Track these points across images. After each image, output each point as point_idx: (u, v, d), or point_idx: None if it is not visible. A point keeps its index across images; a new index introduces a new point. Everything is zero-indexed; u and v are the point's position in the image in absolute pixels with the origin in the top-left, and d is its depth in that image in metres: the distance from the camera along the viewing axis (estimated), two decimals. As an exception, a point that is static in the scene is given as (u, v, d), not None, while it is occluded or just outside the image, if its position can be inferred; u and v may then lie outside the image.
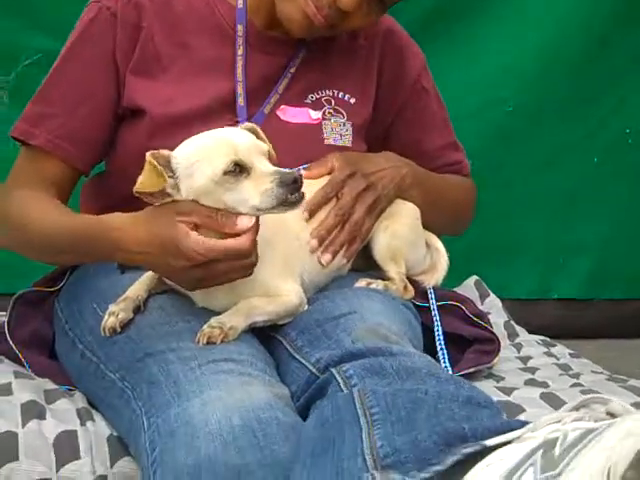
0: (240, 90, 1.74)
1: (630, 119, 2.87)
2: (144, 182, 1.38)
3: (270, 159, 1.45)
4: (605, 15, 2.77)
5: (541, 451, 0.96)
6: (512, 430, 1.07)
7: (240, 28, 1.77)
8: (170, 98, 1.68)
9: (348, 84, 1.84)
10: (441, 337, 1.75)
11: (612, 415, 0.98)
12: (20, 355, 1.72)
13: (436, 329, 1.76)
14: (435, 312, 1.80)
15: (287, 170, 1.40)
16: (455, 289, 2.33)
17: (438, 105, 1.99)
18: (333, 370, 1.32)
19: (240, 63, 1.75)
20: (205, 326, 1.42)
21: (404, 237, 1.74)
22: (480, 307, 2.29)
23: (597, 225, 2.92)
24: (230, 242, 1.38)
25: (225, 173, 1.37)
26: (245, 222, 1.38)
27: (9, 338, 1.74)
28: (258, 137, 1.48)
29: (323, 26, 1.69)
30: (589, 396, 1.03)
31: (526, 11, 2.74)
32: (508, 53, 2.73)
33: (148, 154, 1.38)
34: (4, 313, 1.80)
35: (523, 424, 1.09)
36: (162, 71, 1.74)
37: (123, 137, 1.75)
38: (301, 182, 1.38)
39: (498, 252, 2.85)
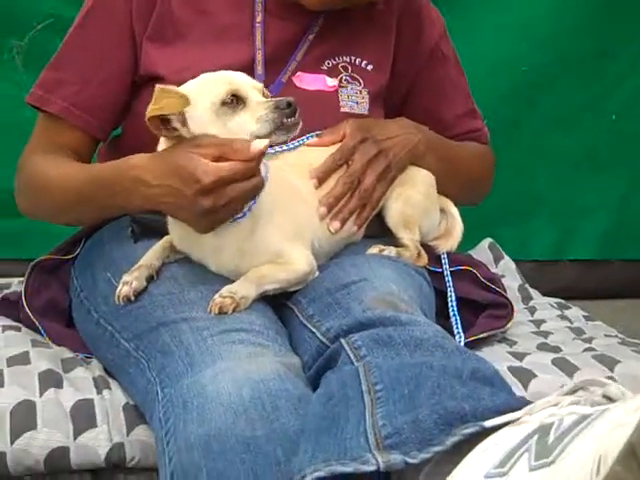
0: (259, 57, 1.73)
1: (648, 76, 2.83)
2: (164, 105, 1.41)
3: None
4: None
5: (536, 437, 0.97)
6: (512, 411, 1.08)
7: None
8: (187, 65, 1.65)
9: (366, 50, 1.83)
10: (454, 303, 1.76)
11: (609, 399, 0.99)
12: (37, 323, 1.75)
13: (449, 295, 1.77)
14: (448, 278, 1.81)
15: (281, 98, 1.42)
16: (469, 252, 2.34)
17: (457, 72, 1.97)
18: (342, 340, 1.34)
19: (259, 30, 1.74)
20: (217, 295, 1.43)
21: (418, 204, 1.74)
22: (494, 270, 2.30)
23: (615, 184, 2.90)
24: (233, 162, 1.39)
25: (223, 103, 1.42)
26: (258, 145, 1.39)
27: (26, 306, 1.76)
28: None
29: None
30: (586, 378, 1.04)
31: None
32: (522, 12, 2.69)
33: (158, 85, 1.43)
34: (22, 279, 1.83)
35: (523, 403, 1.10)
36: (179, 37, 1.73)
37: (139, 104, 1.72)
38: (295, 106, 1.41)
39: (513, 212, 2.83)
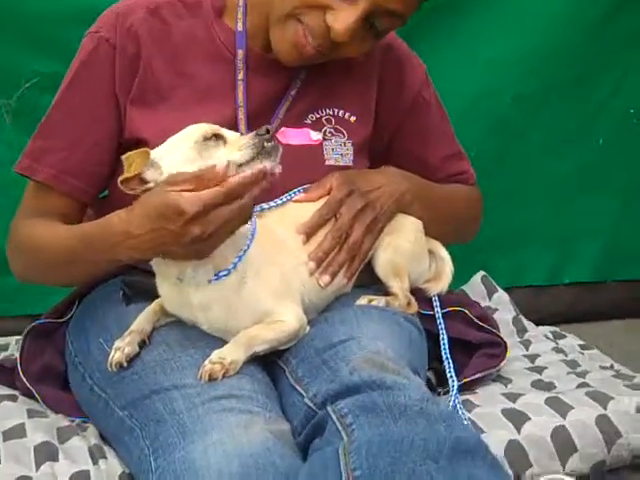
0: (241, 115, 1.74)
1: (633, 99, 2.84)
2: (128, 169, 1.45)
3: None
4: (600, -1, 2.74)
5: None
6: None
7: (240, 53, 1.76)
8: (170, 128, 1.63)
9: (348, 102, 1.83)
10: (446, 347, 1.77)
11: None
12: (33, 390, 1.76)
13: (441, 339, 1.78)
14: (440, 321, 1.82)
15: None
16: (462, 287, 2.36)
17: (440, 116, 1.98)
18: (329, 408, 1.35)
19: (241, 88, 1.75)
20: (206, 362, 1.45)
21: (407, 253, 1.75)
22: (488, 303, 2.31)
23: (606, 207, 2.90)
24: (215, 188, 1.39)
25: (205, 139, 1.45)
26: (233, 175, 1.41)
27: (22, 374, 1.77)
28: None
29: (313, 56, 1.68)
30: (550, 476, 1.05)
31: (521, 0, 2.70)
32: (503, 44, 2.69)
33: (122, 157, 1.46)
34: (19, 337, 1.84)
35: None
36: (162, 101, 1.74)
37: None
38: (273, 132, 1.43)
39: (507, 240, 2.84)
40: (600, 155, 2.87)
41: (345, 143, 1.81)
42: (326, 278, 1.65)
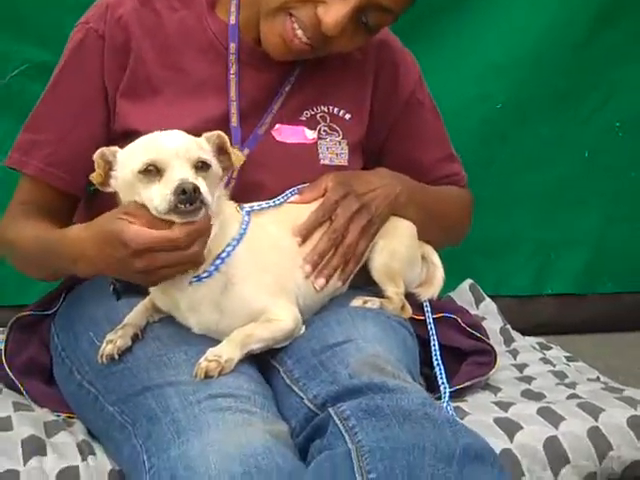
0: (234, 110, 1.71)
1: (619, 112, 2.87)
2: (97, 169, 1.48)
3: (226, 168, 1.49)
4: (590, 11, 2.75)
5: None
6: None
7: (233, 46, 1.74)
8: (162, 120, 1.62)
9: (343, 99, 1.82)
10: (438, 354, 1.76)
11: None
12: (19, 384, 1.72)
13: (432, 346, 1.77)
14: (431, 326, 1.81)
15: (188, 181, 1.38)
16: (450, 294, 2.36)
17: (434, 117, 1.97)
18: (330, 410, 1.34)
19: (233, 82, 1.73)
20: (202, 359, 1.42)
21: (402, 257, 1.74)
22: (475, 312, 2.31)
23: (589, 219, 2.92)
24: (163, 232, 1.38)
25: (140, 172, 1.41)
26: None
27: (7, 366, 1.74)
28: (224, 148, 1.49)
29: (303, 50, 1.67)
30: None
31: (513, 8, 2.72)
32: (496, 50, 2.71)
33: (96, 153, 1.47)
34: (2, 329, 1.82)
35: None
36: (154, 93, 1.72)
37: None
38: (194, 195, 1.36)
39: (491, 249, 2.85)
40: (585, 167, 2.89)
41: (340, 142, 1.80)
42: (321, 281, 1.63)
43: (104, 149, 1.48)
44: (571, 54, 2.77)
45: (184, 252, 1.40)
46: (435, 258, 1.87)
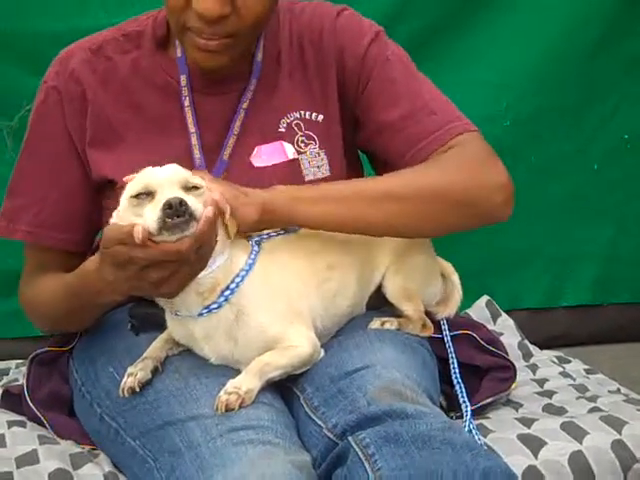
0: (194, 141, 1.69)
1: (627, 125, 2.86)
2: None
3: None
4: (596, 24, 2.75)
5: None
6: None
7: (183, 78, 1.71)
8: (131, 166, 1.52)
9: (309, 101, 1.75)
10: (457, 372, 1.76)
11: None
12: (42, 417, 1.73)
13: (452, 364, 1.77)
14: (449, 344, 1.81)
15: (172, 196, 1.38)
16: (467, 311, 2.37)
17: (402, 72, 1.74)
18: (350, 439, 1.34)
19: (190, 113, 1.70)
20: (222, 392, 1.43)
21: (418, 278, 1.74)
22: (493, 327, 2.31)
23: (602, 231, 2.91)
24: (167, 245, 1.37)
25: (132, 197, 1.42)
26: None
27: (29, 400, 1.75)
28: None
29: (224, 46, 1.60)
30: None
31: (518, 25, 2.72)
32: (501, 68, 2.72)
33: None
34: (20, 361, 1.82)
35: None
36: (119, 139, 1.71)
37: (107, 204, 1.69)
38: (180, 209, 1.36)
39: (505, 263, 2.84)
40: (595, 180, 2.89)
41: (319, 153, 1.74)
42: None
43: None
44: (577, 68, 2.76)
45: (184, 265, 1.40)
46: (454, 277, 1.86)
